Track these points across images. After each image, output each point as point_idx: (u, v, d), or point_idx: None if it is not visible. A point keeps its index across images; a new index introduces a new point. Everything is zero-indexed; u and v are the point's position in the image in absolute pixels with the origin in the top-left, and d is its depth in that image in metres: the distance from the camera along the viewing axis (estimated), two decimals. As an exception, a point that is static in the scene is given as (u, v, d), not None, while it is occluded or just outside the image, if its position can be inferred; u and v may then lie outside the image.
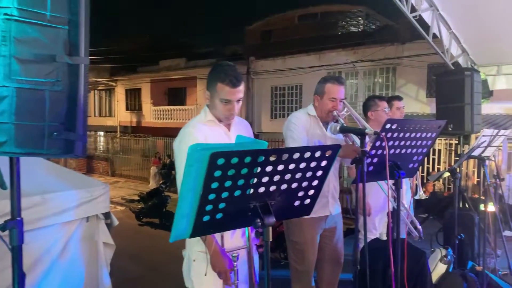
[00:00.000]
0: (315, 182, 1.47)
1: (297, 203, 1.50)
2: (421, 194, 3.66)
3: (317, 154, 1.37)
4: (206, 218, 1.30)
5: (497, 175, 4.51)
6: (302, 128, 2.66)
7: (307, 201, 1.52)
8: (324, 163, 1.41)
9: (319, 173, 1.44)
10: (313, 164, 1.39)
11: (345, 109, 2.64)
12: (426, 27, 5.30)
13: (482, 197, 4.40)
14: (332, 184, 2.74)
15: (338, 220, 2.85)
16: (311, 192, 1.49)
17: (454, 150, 10.04)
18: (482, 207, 4.29)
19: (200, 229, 1.34)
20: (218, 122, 2.09)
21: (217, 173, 1.19)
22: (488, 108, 8.86)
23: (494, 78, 6.55)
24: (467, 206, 4.84)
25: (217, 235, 1.95)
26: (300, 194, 1.47)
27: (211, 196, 1.24)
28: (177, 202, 1.30)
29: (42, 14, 1.30)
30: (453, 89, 5.29)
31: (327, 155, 1.39)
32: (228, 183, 1.24)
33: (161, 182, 12.68)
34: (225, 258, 1.93)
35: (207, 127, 2.06)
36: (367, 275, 2.16)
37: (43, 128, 1.30)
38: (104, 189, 3.36)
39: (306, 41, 15.68)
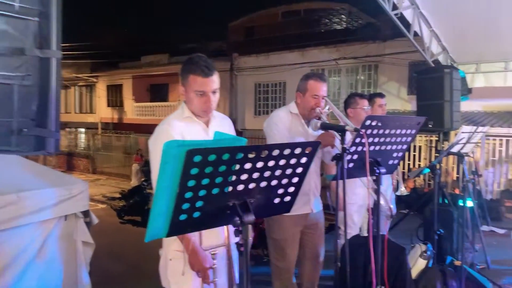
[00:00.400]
0: (295, 179, 1.45)
1: (277, 200, 1.48)
2: (403, 190, 3.69)
3: (297, 151, 1.35)
4: (183, 217, 1.27)
5: (476, 171, 4.60)
6: (283, 127, 2.65)
7: (287, 198, 1.50)
8: (304, 160, 1.40)
9: (299, 170, 1.43)
10: (293, 161, 1.38)
11: (327, 107, 2.64)
12: (407, 25, 5.36)
13: (461, 193, 4.47)
14: (313, 181, 2.74)
15: (320, 217, 2.85)
16: (291, 189, 1.48)
17: (435, 146, 10.21)
18: (461, 202, 4.35)
19: (177, 228, 1.31)
20: (195, 119, 2.04)
21: (194, 171, 1.16)
22: (467, 105, 9.02)
23: (473, 76, 6.68)
24: (446, 201, 4.92)
25: (195, 233, 1.92)
26: (280, 191, 1.46)
27: (188, 195, 1.22)
28: (155, 200, 1.26)
29: (10, 5, 1.24)
30: (433, 87, 5.36)
31: (307, 152, 1.38)
32: (205, 181, 1.22)
33: (143, 179, 12.51)
34: (204, 256, 1.90)
35: (183, 124, 2.00)
36: (347, 271, 2.17)
37: (11, 124, 1.25)
38: (83, 187, 3.29)
39: (289, 38, 15.69)
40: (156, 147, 1.94)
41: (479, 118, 10.48)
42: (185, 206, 1.25)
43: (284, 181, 1.43)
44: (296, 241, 2.72)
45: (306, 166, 1.43)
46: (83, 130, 22.49)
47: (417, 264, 3.22)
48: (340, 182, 2.03)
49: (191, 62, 1.96)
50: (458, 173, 8.65)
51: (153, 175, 1.94)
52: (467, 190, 4.28)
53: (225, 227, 1.90)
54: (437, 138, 6.38)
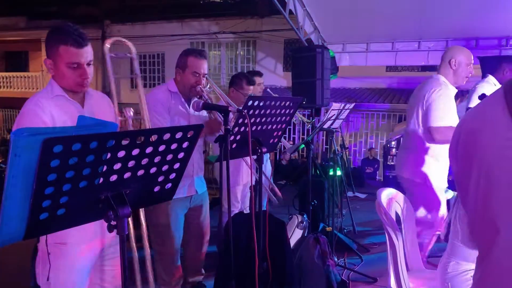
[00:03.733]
0: (176, 165, 1.35)
1: (157, 188, 1.37)
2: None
3: (178, 135, 1.25)
4: (43, 215, 1.08)
5: (343, 144, 5.05)
6: (161, 107, 2.48)
7: (168, 185, 1.40)
8: (186, 144, 1.30)
9: (181, 155, 1.33)
10: (174, 146, 1.27)
11: (208, 85, 2.55)
12: (283, 3, 5.50)
13: (331, 164, 4.86)
14: (196, 162, 2.65)
15: (204, 197, 2.80)
16: (173, 175, 1.37)
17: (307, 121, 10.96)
18: (331, 172, 4.73)
19: (37, 229, 1.11)
20: (68, 97, 1.75)
21: (55, 163, 0.98)
22: (334, 83, 9.83)
23: (340, 56, 7.25)
24: (318, 172, 5.31)
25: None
26: (160, 179, 1.34)
27: (49, 190, 1.03)
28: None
29: None
30: (306, 65, 5.65)
31: (189, 136, 1.28)
32: (70, 174, 1.04)
33: (0, 161, 10.97)
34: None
35: (54, 105, 1.69)
36: (231, 249, 2.17)
37: None
38: None
39: (166, 7, 15.01)
40: None
41: (345, 95, 11.54)
42: (46, 203, 1.06)
43: (165, 167, 1.31)
44: (179, 225, 2.63)
45: (189, 151, 1.34)
46: None
47: (294, 234, 3.42)
48: (224, 162, 1.99)
49: (59, 31, 1.68)
50: (326, 144, 9.46)
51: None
52: (336, 161, 4.69)
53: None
54: (309, 113, 6.82)
